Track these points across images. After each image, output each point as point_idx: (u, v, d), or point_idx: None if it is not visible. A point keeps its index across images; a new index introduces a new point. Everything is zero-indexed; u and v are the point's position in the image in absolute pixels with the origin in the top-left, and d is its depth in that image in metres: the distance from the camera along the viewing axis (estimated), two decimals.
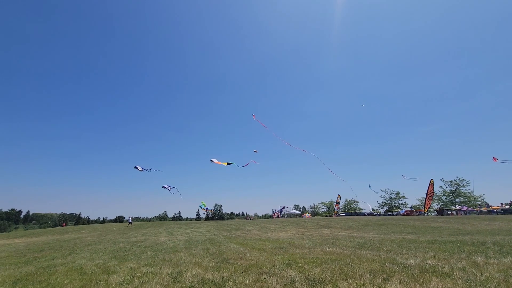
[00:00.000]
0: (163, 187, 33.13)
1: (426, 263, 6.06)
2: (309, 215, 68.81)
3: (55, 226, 76.61)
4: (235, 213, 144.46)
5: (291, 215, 64.96)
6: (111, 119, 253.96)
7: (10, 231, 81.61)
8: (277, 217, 63.27)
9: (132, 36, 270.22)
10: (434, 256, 6.91)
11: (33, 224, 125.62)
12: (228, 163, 27.37)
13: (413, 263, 6.03)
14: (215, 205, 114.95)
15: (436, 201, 58.64)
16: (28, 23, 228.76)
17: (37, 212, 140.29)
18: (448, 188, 59.31)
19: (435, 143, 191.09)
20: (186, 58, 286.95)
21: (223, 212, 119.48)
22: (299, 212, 74.15)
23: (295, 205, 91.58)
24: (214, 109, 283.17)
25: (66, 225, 68.45)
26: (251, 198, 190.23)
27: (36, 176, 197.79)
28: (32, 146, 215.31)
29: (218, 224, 31.99)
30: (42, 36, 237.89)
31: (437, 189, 50.67)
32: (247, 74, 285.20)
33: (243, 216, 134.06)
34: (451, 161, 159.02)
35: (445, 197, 59.93)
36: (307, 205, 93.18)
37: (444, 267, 5.63)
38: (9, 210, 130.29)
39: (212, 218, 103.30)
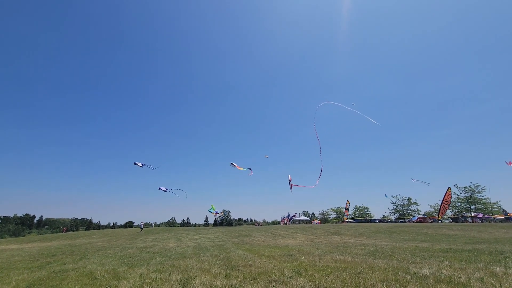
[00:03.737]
0: (159, 189, 33.79)
1: (442, 272, 5.85)
2: (319, 221, 67.90)
3: (67, 231, 78.09)
4: (243, 219, 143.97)
5: (300, 222, 64.22)
6: (120, 125, 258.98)
7: (24, 236, 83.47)
8: (286, 223, 62.66)
9: (140, 44, 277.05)
10: (449, 266, 6.67)
11: (45, 229, 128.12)
12: (244, 169, 27.99)
13: (428, 273, 5.83)
14: (223, 210, 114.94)
15: (450, 208, 56.99)
16: (41, 32, 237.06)
17: (49, 217, 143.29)
18: (463, 195, 57.65)
19: (448, 148, 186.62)
20: (194, 65, 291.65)
21: (231, 218, 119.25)
22: (308, 219, 73.25)
23: (304, 211, 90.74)
24: (223, 115, 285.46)
25: (66, 231, 69.55)
26: (260, 204, 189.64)
27: (49, 182, 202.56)
28: (44, 152, 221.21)
29: (227, 230, 31.89)
30: (53, 44, 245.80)
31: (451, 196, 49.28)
32: (255, 80, 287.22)
33: (252, 222, 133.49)
34: (465, 167, 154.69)
35: (459, 203, 58.21)
36: (316, 212, 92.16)
37: (460, 277, 5.42)
38: (23, 215, 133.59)
39: (221, 224, 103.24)
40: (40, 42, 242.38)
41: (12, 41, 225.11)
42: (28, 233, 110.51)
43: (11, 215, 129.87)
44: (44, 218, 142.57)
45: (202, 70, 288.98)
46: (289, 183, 26.72)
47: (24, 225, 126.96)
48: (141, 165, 28.67)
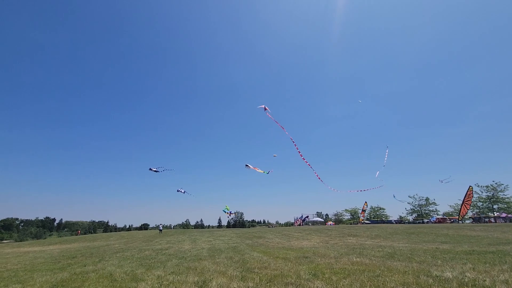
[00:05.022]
0: (178, 190, 34.48)
1: (465, 275, 5.64)
2: (333, 223, 66.91)
3: (85, 234, 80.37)
4: (257, 221, 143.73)
5: (313, 223, 63.49)
6: (134, 127, 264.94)
7: (45, 238, 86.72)
8: (299, 224, 62.10)
9: (144, 45, 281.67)
10: (473, 268, 6.43)
11: (65, 231, 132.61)
12: (264, 171, 26.49)
13: (450, 276, 5.63)
14: (237, 211, 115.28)
15: (471, 207, 54.72)
16: (42, 32, 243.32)
17: (69, 220, 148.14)
18: (484, 194, 55.26)
19: (468, 146, 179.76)
20: (199, 66, 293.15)
21: (245, 219, 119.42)
22: (322, 220, 72.32)
23: (317, 212, 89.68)
24: (232, 115, 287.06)
25: (80, 233, 71.75)
26: (272, 205, 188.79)
27: (68, 185, 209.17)
28: (62, 155, 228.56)
29: (240, 232, 31.92)
30: (56, 45, 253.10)
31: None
32: (263, 80, 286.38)
33: (265, 224, 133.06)
34: (486, 164, 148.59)
35: (481, 203, 55.84)
36: (330, 213, 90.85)
37: (485, 280, 5.21)
38: (44, 218, 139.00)
39: (234, 226, 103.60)
40: (46, 45, 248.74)
41: (17, 42, 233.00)
42: (49, 235, 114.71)
43: (33, 218, 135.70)
44: (63, 221, 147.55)
45: (209, 71, 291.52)
46: (265, 109, 23.93)
47: (45, 227, 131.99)
48: (155, 170, 29.31)
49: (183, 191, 34.33)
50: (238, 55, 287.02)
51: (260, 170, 25.98)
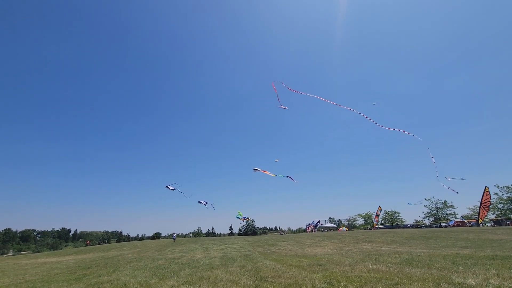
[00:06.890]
0: (199, 202, 34.39)
1: (489, 282, 5.38)
2: (346, 228, 65.63)
3: (99, 244, 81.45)
4: (268, 228, 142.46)
5: (326, 229, 62.42)
6: (141, 137, 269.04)
7: (61, 249, 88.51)
8: (312, 231, 61.19)
9: (151, 56, 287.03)
10: (497, 274, 6.12)
11: (80, 241, 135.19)
12: (276, 175, 25.82)
13: (473, 283, 5.38)
14: (248, 218, 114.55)
15: (492, 209, 52.50)
16: (56, 47, 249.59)
17: (83, 230, 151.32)
18: (505, 195, 53.00)
19: (489, 143, 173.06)
20: (205, 73, 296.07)
21: (256, 227, 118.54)
22: (335, 226, 71.04)
23: (330, 218, 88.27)
24: (238, 121, 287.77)
25: (89, 244, 72.83)
26: (283, 211, 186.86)
27: (83, 196, 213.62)
28: (76, 167, 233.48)
29: (252, 239, 31.67)
30: (65, 61, 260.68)
31: (491, 197, 45.44)
32: (268, 84, 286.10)
33: (276, 230, 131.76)
34: (505, 164, 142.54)
35: (501, 205, 53.56)
36: (343, 218, 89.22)
37: (510, 286, 4.95)
38: (60, 229, 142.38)
39: (245, 233, 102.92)
40: (54, 59, 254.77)
41: (24, 56, 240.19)
42: (65, 246, 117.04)
43: (49, 229, 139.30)
44: (78, 231, 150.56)
45: (215, 78, 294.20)
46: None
47: (61, 238, 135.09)
48: (172, 188, 29.70)
49: (205, 203, 34.28)
50: (242, 61, 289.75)
51: (272, 174, 25.35)
